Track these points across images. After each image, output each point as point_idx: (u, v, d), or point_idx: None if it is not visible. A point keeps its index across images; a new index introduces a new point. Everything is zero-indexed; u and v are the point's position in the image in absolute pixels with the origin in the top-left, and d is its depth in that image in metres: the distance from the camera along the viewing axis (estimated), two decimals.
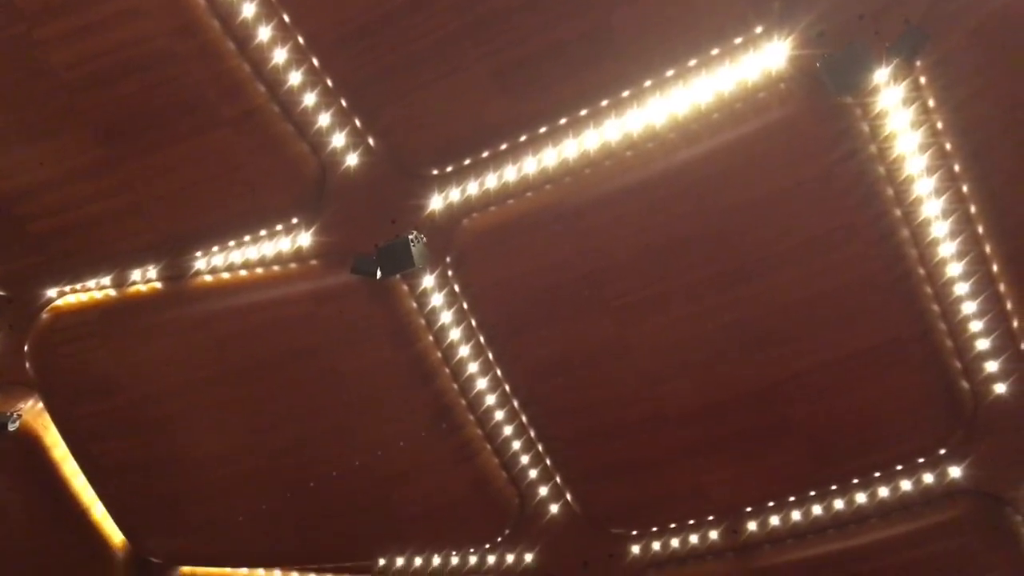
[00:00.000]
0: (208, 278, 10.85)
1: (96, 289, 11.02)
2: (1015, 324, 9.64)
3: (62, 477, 11.56)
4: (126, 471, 11.27)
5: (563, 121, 9.69)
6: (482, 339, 10.85)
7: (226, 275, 10.83)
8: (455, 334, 10.87)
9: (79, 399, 11.11)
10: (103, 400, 10.94)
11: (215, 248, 10.74)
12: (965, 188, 9.24)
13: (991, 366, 9.86)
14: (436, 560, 12.57)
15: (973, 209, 9.32)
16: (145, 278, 10.89)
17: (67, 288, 11.09)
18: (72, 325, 11.08)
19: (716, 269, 9.92)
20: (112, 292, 10.98)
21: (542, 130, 9.78)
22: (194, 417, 10.99)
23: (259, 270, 10.75)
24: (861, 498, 10.92)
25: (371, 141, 9.97)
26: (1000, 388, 9.95)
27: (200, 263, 10.79)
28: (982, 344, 9.81)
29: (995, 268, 9.50)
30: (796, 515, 11.25)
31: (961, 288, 9.65)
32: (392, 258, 9.93)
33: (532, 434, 11.32)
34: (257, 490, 11.38)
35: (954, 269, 9.58)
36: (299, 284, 10.69)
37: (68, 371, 11.17)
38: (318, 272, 10.60)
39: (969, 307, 9.68)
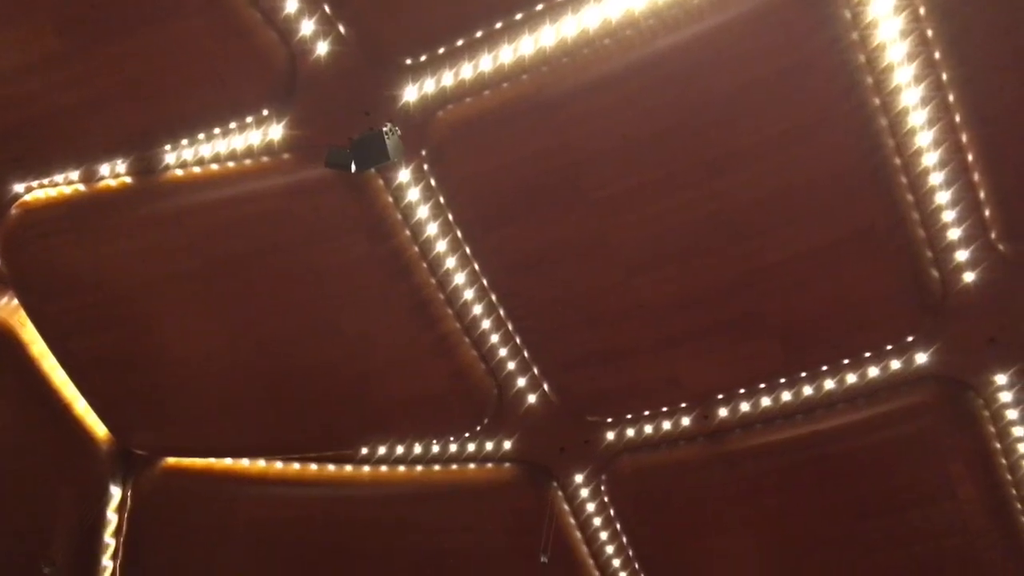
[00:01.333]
0: (179, 172, 10.65)
1: (65, 184, 10.80)
2: (987, 213, 9.73)
3: (41, 373, 11.59)
4: (106, 366, 11.33)
5: (540, 7, 9.41)
6: (459, 234, 10.83)
7: (197, 169, 10.63)
8: (432, 229, 10.83)
9: (54, 295, 11.04)
10: (79, 296, 10.87)
11: (184, 141, 10.49)
12: (944, 76, 9.16)
13: (961, 255, 10.00)
14: (417, 448, 12.91)
15: (951, 98, 9.27)
16: (114, 173, 10.68)
17: (35, 183, 10.86)
18: (42, 221, 10.90)
19: (694, 160, 9.87)
20: (81, 187, 10.77)
21: (518, 16, 9.50)
22: (172, 312, 10.98)
23: (231, 164, 10.55)
24: (829, 384, 11.25)
25: (341, 28, 9.64)
26: (969, 277, 10.12)
27: (170, 157, 10.57)
28: (954, 234, 9.92)
29: (970, 157, 9.52)
30: (766, 401, 11.60)
31: (936, 178, 9.68)
32: (366, 151, 9.76)
33: (509, 327, 11.45)
34: (239, 383, 11.51)
35: (930, 159, 9.58)
36: (272, 178, 10.53)
37: (41, 267, 11.06)
38: (291, 166, 10.43)
39: (943, 197, 9.75)
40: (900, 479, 11.35)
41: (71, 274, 10.81)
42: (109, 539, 13.69)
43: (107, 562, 13.96)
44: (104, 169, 10.65)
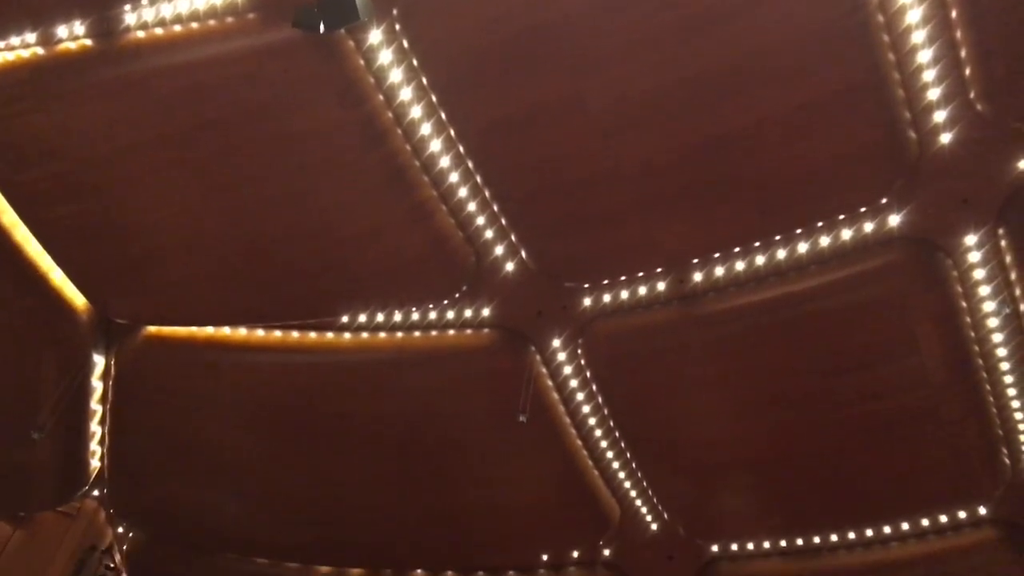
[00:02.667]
0: (141, 35, 10.24)
1: (22, 47, 10.38)
2: (967, 72, 9.63)
3: (14, 244, 11.44)
4: (80, 235, 11.23)
5: None
6: (434, 98, 10.59)
7: (159, 31, 10.24)
8: (406, 93, 10.58)
9: (22, 164, 10.79)
10: (47, 164, 10.64)
11: (144, 1, 10.06)
12: None
13: (939, 115, 9.95)
14: (397, 316, 13.08)
15: None
16: (73, 35, 10.25)
17: None
18: (3, 87, 10.54)
19: (670, 21, 9.58)
20: (40, 51, 10.36)
21: None
22: (144, 180, 10.81)
23: (194, 25, 10.15)
24: (803, 247, 11.38)
25: None
26: (946, 138, 10.11)
27: (130, 18, 10.13)
28: (933, 93, 9.83)
29: (954, 14, 9.34)
30: (740, 265, 11.76)
31: (918, 36, 9.50)
32: (335, 10, 9.38)
33: (487, 194, 11.39)
34: (215, 251, 11.48)
35: (913, 15, 9.39)
36: (238, 40, 10.14)
37: (6, 135, 10.76)
38: (257, 26, 10.03)
39: (924, 55, 9.60)
40: (868, 338, 11.69)
41: (38, 142, 10.53)
42: (96, 406, 13.97)
43: (95, 427, 14.30)
44: (62, 31, 10.22)
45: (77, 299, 12.22)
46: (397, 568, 16.76)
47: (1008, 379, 12.12)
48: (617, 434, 14.45)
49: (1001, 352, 11.89)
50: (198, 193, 10.97)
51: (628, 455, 14.76)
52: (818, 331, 11.84)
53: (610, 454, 14.89)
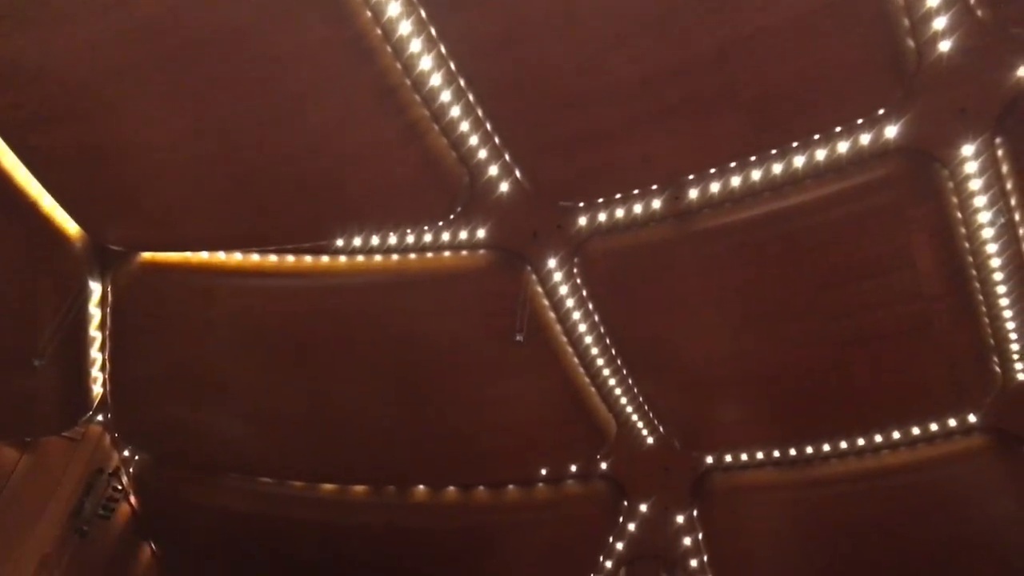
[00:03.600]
0: None
1: None
2: None
3: (2, 170, 11.29)
4: (68, 160, 11.05)
5: None
6: (423, 13, 10.32)
7: None
8: (394, 9, 10.28)
9: (5, 88, 10.51)
10: (31, 88, 10.34)
11: None
12: None
13: (939, 23, 9.74)
14: (392, 238, 13.05)
15: None
16: None
17: None
18: None
19: None
20: None
21: None
22: (131, 102, 10.55)
23: None
24: (799, 161, 11.31)
25: None
26: (944, 46, 9.92)
27: None
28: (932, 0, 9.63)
29: None
30: (735, 180, 11.70)
31: None
32: None
33: (479, 112, 11.21)
34: (207, 174, 11.34)
35: None
36: None
37: None
38: None
39: None
40: (863, 251, 11.72)
41: (20, 64, 10.25)
42: (95, 332, 14.04)
43: (96, 354, 14.41)
44: None
45: (69, 226, 12.13)
46: (399, 485, 17.15)
47: (1001, 289, 12.22)
48: (613, 351, 14.61)
49: (994, 263, 11.95)
50: (186, 116, 10.77)
51: (624, 371, 14.95)
52: (813, 245, 11.87)
53: (606, 371, 15.09)
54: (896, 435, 14.83)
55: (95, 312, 13.79)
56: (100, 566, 16.66)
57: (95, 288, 13.35)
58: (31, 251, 12.04)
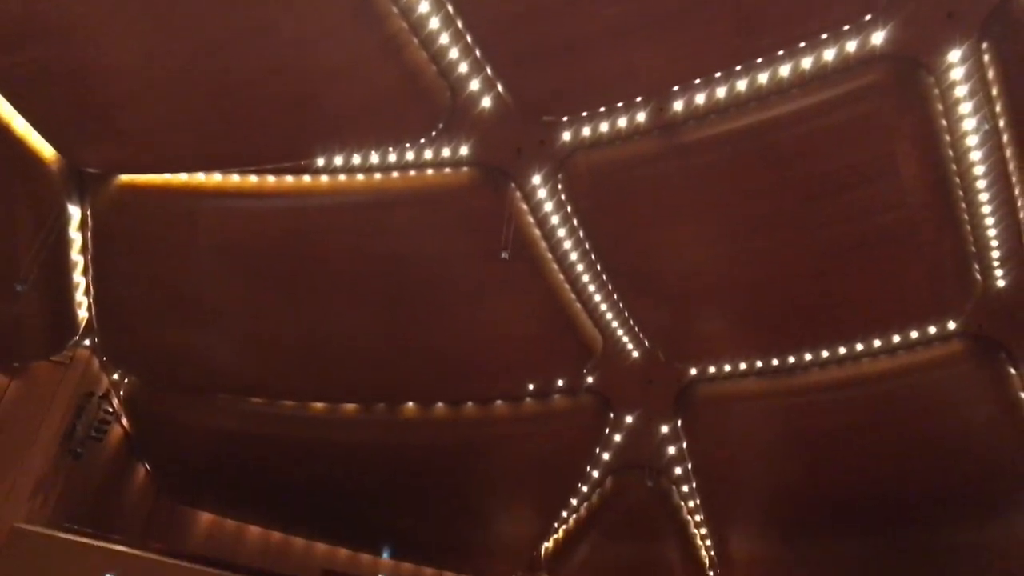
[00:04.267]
0: None
1: None
2: None
3: None
4: (40, 82, 10.70)
5: None
6: None
7: None
8: None
9: None
10: None
11: None
12: None
13: None
14: (374, 156, 12.87)
15: None
16: None
17: None
18: None
19: None
20: None
21: None
22: (102, 22, 10.12)
23: None
24: (784, 70, 11.15)
25: None
26: None
27: None
28: None
29: None
30: (720, 91, 11.54)
31: None
32: None
33: (459, 24, 10.94)
34: (181, 92, 11.03)
35: None
36: None
37: None
38: None
39: None
40: (848, 160, 11.67)
41: None
42: (77, 256, 13.92)
43: (79, 278, 14.31)
44: None
45: (44, 149, 11.87)
46: (389, 402, 17.37)
47: (983, 197, 12.26)
48: (598, 267, 14.66)
49: (978, 171, 11.96)
50: (160, 33, 10.41)
51: (609, 287, 15.04)
52: (798, 155, 11.81)
53: (592, 287, 15.16)
54: (877, 343, 15.07)
55: (76, 236, 13.64)
56: (95, 486, 16.95)
57: (74, 212, 13.17)
58: (6, 176, 11.80)
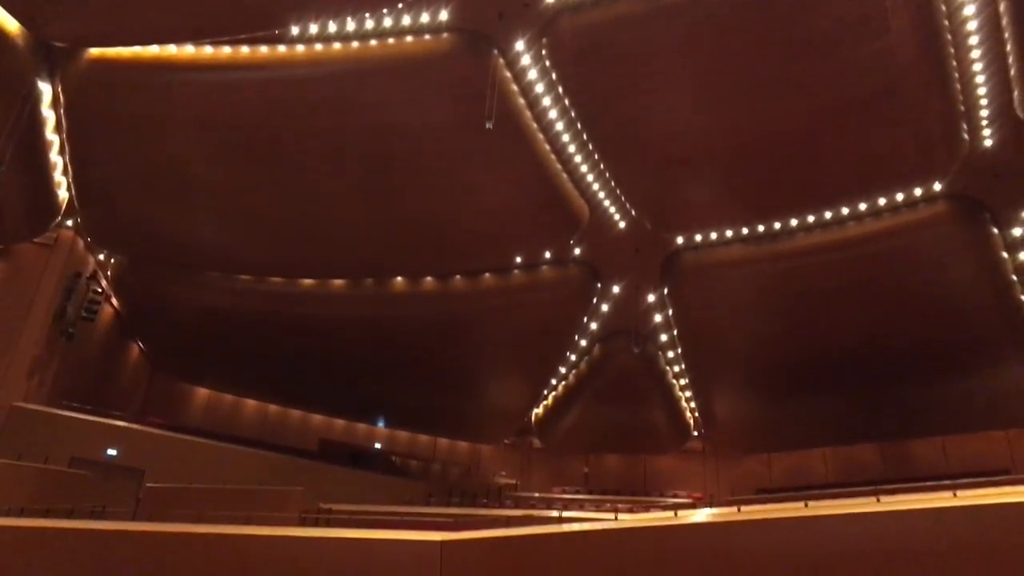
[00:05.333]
0: None
1: None
2: None
3: None
4: None
5: None
6: None
7: None
8: None
9: None
10: None
11: None
12: None
13: None
14: (351, 24, 12.45)
15: None
16: None
17: None
18: None
19: None
20: None
21: None
22: None
23: None
24: None
25: None
26: None
27: None
28: None
29: None
30: None
31: None
32: None
33: None
34: None
35: None
36: None
37: None
38: None
39: None
40: (835, 17, 11.32)
41: None
42: (52, 136, 13.62)
43: (55, 158, 14.06)
44: None
45: (9, 23, 11.42)
46: (377, 277, 17.46)
47: (975, 53, 12.02)
48: (584, 135, 14.44)
49: (971, 25, 11.68)
50: None
51: (595, 155, 14.86)
52: (784, 13, 11.44)
53: (578, 156, 14.99)
54: (863, 206, 15.10)
55: (49, 114, 13.31)
56: (91, 365, 17.19)
57: (45, 89, 12.80)
58: None
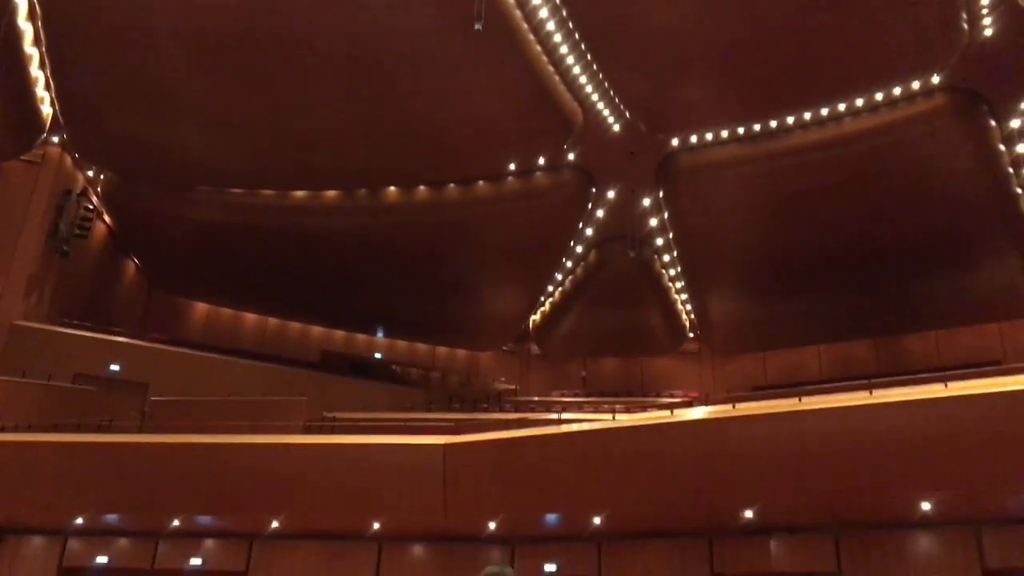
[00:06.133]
0: None
1: None
2: None
3: None
4: None
5: None
6: None
7: None
8: None
9: None
10: None
11: None
12: None
13: None
14: None
15: None
16: None
17: None
18: None
19: None
20: None
21: None
22: None
23: None
24: None
25: None
26: None
27: None
28: None
29: None
30: None
31: None
32: None
33: None
34: None
35: None
36: None
37: None
38: None
39: None
40: None
41: None
42: (31, 49, 13.30)
43: (36, 72, 13.75)
44: None
45: None
46: (371, 188, 17.32)
47: None
48: (576, 35, 14.10)
49: None
50: None
51: (588, 56, 14.55)
52: None
53: (570, 58, 14.67)
54: (859, 102, 14.89)
55: (26, 27, 12.95)
56: (88, 282, 17.20)
57: (20, 1, 12.42)
58: None
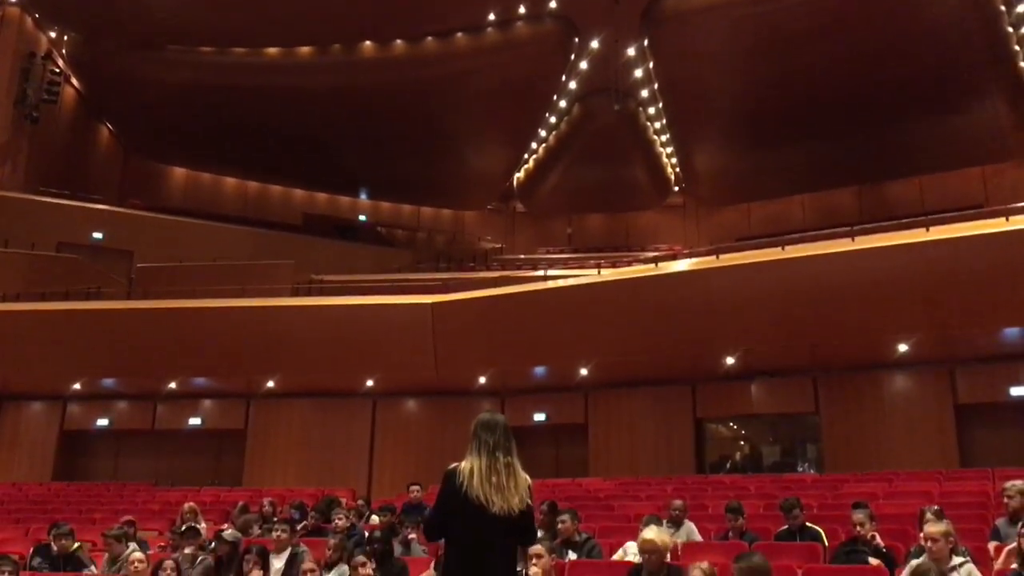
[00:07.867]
0: None
1: None
2: None
3: None
4: None
5: None
6: None
7: None
8: None
9: None
10: None
11: None
12: None
13: None
14: None
15: None
16: None
17: None
18: None
19: None
20: None
21: None
22: None
23: None
24: None
25: None
26: None
27: None
28: None
29: None
30: None
31: None
32: None
33: None
34: None
35: None
36: None
37: None
38: None
39: None
40: None
41: None
42: None
43: None
44: None
45: None
46: (345, 42, 16.73)
47: None
48: None
49: None
50: None
51: None
52: None
53: None
54: None
55: None
56: (62, 150, 16.82)
57: None
58: None
